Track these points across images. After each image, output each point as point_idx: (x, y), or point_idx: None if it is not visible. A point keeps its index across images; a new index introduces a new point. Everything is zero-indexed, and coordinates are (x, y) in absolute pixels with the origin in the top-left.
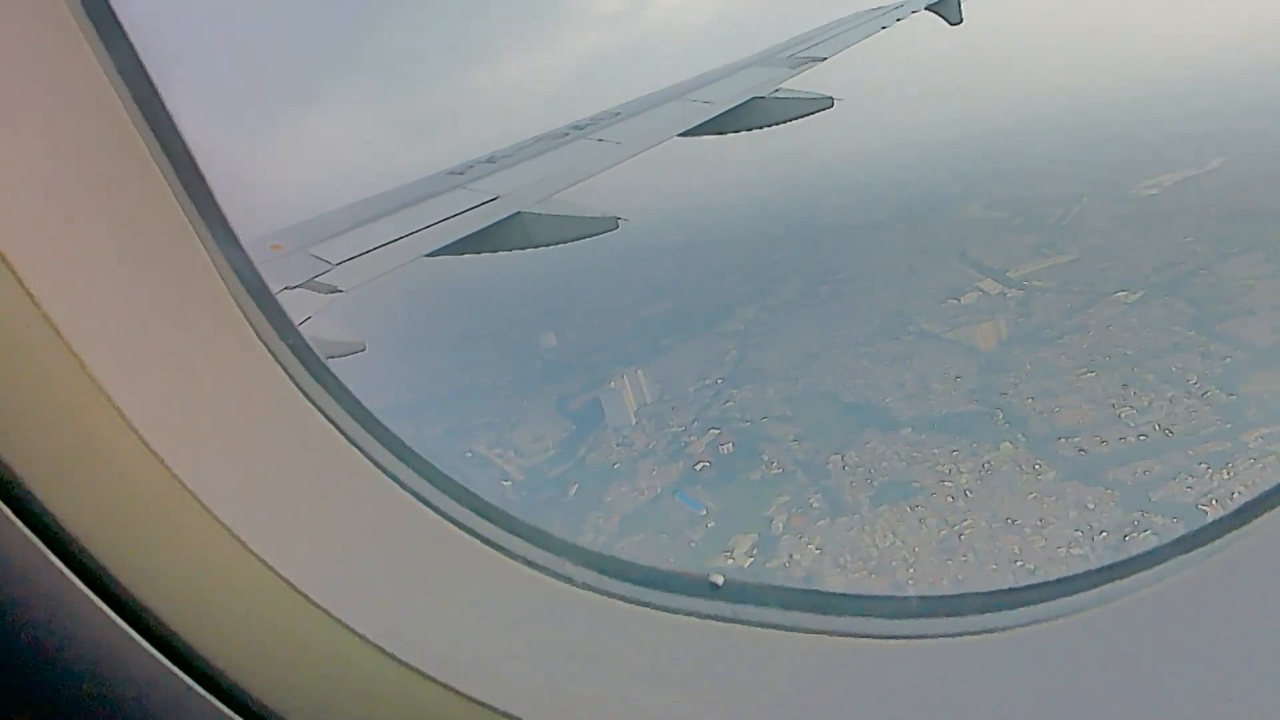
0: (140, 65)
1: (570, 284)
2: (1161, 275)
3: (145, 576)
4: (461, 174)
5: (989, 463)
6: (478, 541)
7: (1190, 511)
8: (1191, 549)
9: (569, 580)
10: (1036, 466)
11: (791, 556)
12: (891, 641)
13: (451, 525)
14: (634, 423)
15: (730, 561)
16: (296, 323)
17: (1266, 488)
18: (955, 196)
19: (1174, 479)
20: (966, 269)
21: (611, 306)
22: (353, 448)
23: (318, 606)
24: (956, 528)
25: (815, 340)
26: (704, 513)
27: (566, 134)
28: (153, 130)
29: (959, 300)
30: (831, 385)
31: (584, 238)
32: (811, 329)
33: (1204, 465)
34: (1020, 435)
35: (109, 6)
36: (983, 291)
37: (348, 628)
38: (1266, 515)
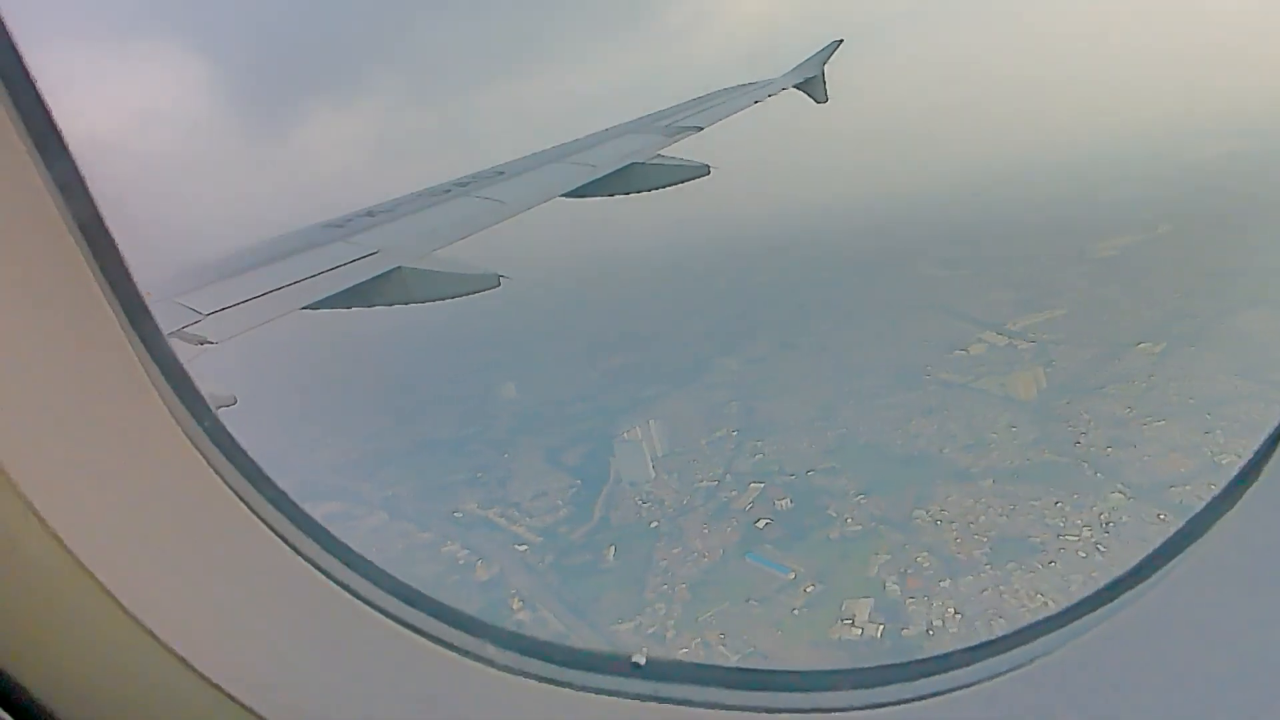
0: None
1: (482, 337)
2: (1174, 328)
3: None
4: (340, 226)
5: (1105, 515)
6: (395, 624)
7: None
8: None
9: (489, 663)
10: (1161, 518)
11: (932, 624)
12: (831, 715)
13: (378, 614)
14: (653, 476)
15: (860, 632)
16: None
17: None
18: (900, 254)
19: None
20: (958, 322)
21: (566, 356)
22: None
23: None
24: None
25: (824, 391)
26: (792, 576)
27: (449, 190)
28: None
29: (967, 351)
30: (869, 436)
31: (466, 294)
32: (813, 380)
33: None
34: (1121, 485)
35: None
36: (988, 343)
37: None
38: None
